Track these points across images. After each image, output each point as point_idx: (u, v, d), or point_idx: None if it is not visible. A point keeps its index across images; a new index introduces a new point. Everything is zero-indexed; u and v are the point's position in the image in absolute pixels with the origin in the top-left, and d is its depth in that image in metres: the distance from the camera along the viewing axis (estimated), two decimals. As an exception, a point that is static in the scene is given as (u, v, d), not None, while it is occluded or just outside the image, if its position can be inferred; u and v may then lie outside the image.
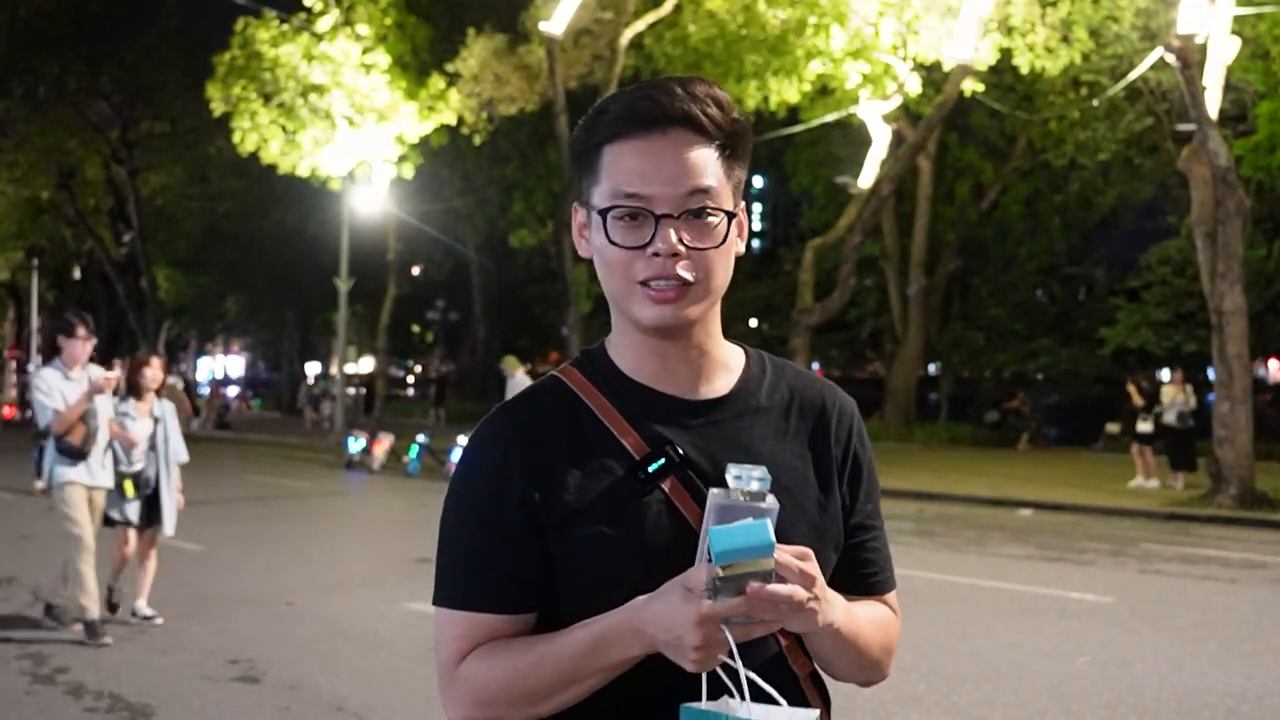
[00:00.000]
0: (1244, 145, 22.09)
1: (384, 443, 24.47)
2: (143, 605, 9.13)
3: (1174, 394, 20.55)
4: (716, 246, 1.69)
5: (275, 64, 25.94)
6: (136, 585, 9.27)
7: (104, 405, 8.76)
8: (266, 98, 26.50)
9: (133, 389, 9.25)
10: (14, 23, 38.70)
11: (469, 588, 1.73)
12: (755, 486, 1.54)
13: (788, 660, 1.76)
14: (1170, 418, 20.35)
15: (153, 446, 9.21)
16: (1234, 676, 7.71)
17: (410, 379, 70.06)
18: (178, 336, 62.09)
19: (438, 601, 1.76)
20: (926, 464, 25.64)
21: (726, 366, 1.83)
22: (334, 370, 49.41)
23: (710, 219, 1.69)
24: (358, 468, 24.14)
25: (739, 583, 1.51)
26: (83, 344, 8.71)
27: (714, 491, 1.56)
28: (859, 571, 1.86)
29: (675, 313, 1.69)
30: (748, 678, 1.57)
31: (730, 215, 1.71)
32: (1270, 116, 21.44)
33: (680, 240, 1.66)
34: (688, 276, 1.67)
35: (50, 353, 9.66)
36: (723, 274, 1.73)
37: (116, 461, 8.96)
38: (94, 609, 8.41)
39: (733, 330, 1.83)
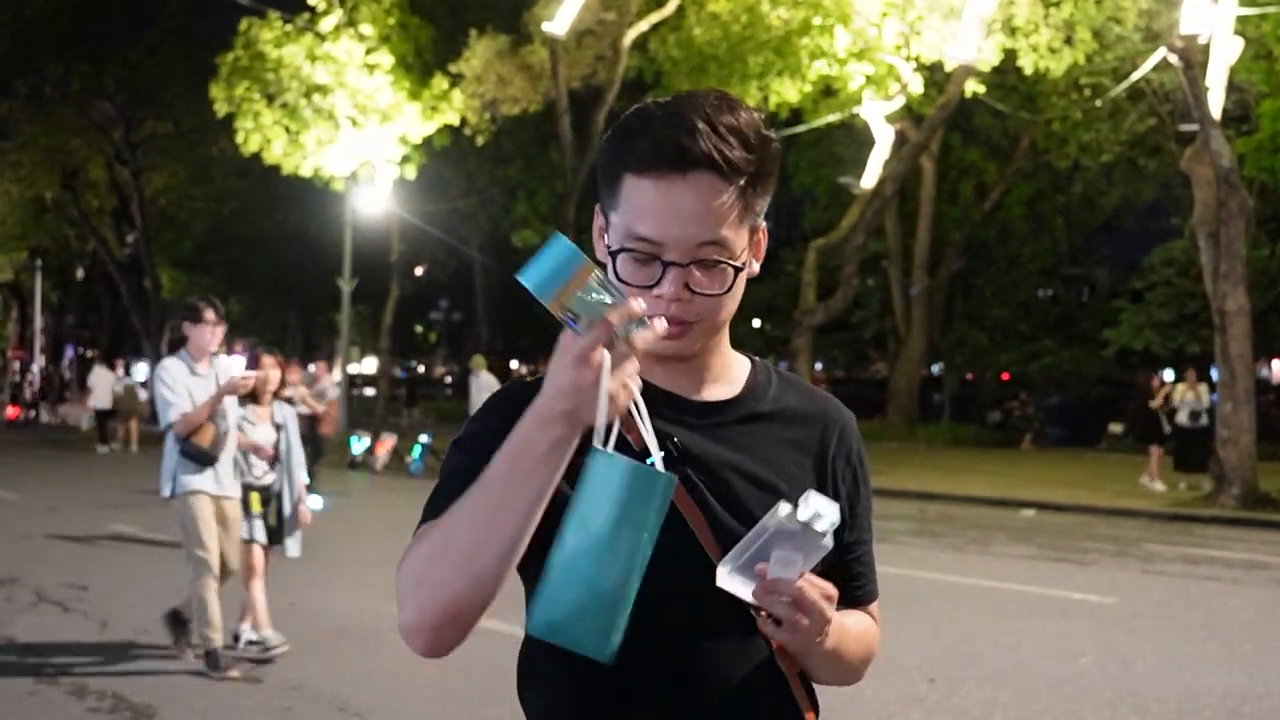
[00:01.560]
0: (1247, 145, 22.05)
1: (386, 443, 24.50)
2: (248, 629, 8.18)
3: (1186, 393, 20.50)
4: (723, 293, 1.70)
5: (278, 64, 25.96)
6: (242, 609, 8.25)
7: (232, 405, 7.83)
8: (270, 98, 26.52)
9: (249, 392, 8.11)
10: (17, 23, 38.69)
11: (443, 503, 1.65)
12: (822, 526, 1.56)
13: (776, 661, 1.77)
14: (1182, 417, 20.30)
15: (277, 457, 8.24)
16: (1236, 677, 7.71)
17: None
18: (181, 337, 62.16)
19: (419, 524, 1.70)
20: (929, 464, 25.63)
21: (731, 373, 1.85)
22: (336, 370, 49.46)
23: (720, 266, 1.69)
24: (360, 468, 24.15)
25: (591, 313, 1.48)
26: (211, 330, 7.83)
27: (783, 508, 1.57)
28: (849, 584, 1.88)
29: (676, 347, 1.71)
30: (640, 420, 1.59)
31: (738, 270, 1.70)
32: (1273, 116, 21.39)
33: (686, 285, 1.67)
34: (689, 318, 1.69)
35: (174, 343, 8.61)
36: (727, 312, 1.74)
37: (240, 473, 8.00)
38: (218, 638, 7.51)
39: (736, 330, 1.84)
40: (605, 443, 1.49)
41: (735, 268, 1.70)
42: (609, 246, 1.72)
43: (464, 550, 1.53)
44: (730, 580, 1.63)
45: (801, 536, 1.57)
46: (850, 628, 1.82)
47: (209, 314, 7.83)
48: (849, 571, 1.88)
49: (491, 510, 1.52)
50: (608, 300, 1.50)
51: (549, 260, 1.48)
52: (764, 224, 1.77)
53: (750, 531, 1.61)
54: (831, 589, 1.64)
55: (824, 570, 1.74)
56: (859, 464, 1.91)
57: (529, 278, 1.49)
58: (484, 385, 22.47)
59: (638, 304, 1.49)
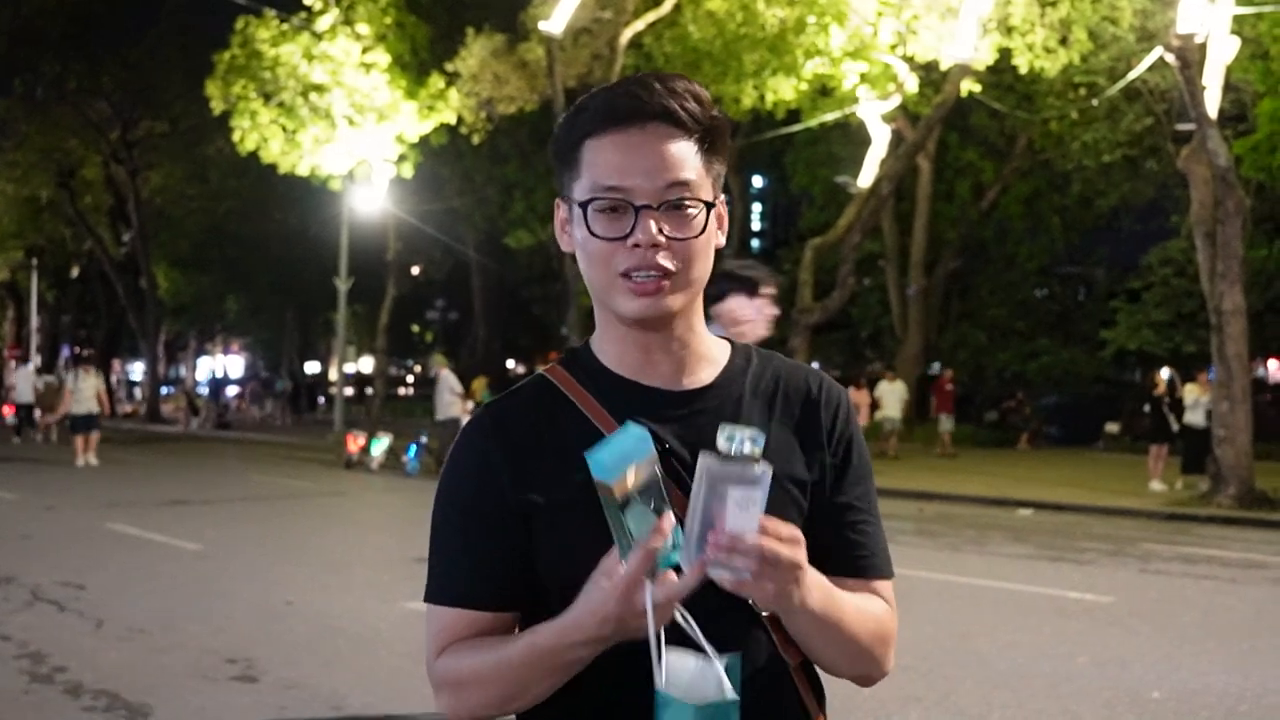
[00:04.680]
0: (1244, 145, 22.06)
1: (383, 442, 24.54)
2: None
3: (1198, 393, 20.27)
4: (696, 237, 1.72)
5: (275, 63, 25.95)
6: None
7: None
8: (266, 97, 26.51)
9: None
10: (15, 21, 38.67)
11: (450, 585, 1.79)
12: (748, 449, 1.52)
13: (780, 651, 1.76)
14: (1195, 418, 20.11)
15: None
16: (1233, 676, 7.70)
17: (410, 379, 70.21)
18: (177, 336, 62.07)
19: (425, 597, 1.82)
20: (926, 464, 25.64)
21: (710, 358, 1.84)
22: (303, 370, 49.46)
23: (689, 210, 1.71)
24: (357, 467, 24.16)
25: (641, 526, 1.53)
26: (762, 306, 5.05)
27: (703, 454, 1.54)
28: (848, 552, 1.84)
29: (656, 304, 1.70)
30: (688, 626, 1.60)
31: (709, 206, 1.74)
32: (1270, 116, 21.41)
33: (660, 231, 1.68)
34: (669, 265, 1.69)
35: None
36: (702, 264, 1.75)
37: None
38: None
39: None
40: (658, 658, 1.57)
41: (706, 204, 1.73)
42: (576, 201, 1.74)
43: (493, 701, 1.73)
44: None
45: (734, 472, 1.51)
46: (849, 597, 1.75)
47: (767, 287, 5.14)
48: (846, 539, 1.83)
49: (516, 686, 1.71)
50: (653, 516, 1.54)
51: (624, 442, 1.54)
52: (724, 198, 1.80)
53: (689, 508, 1.54)
54: (797, 535, 1.57)
55: (815, 533, 1.71)
56: (849, 434, 1.87)
57: (597, 458, 1.53)
58: (446, 382, 22.73)
59: (669, 520, 1.55)
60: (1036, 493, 19.73)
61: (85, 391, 24.06)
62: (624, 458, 1.53)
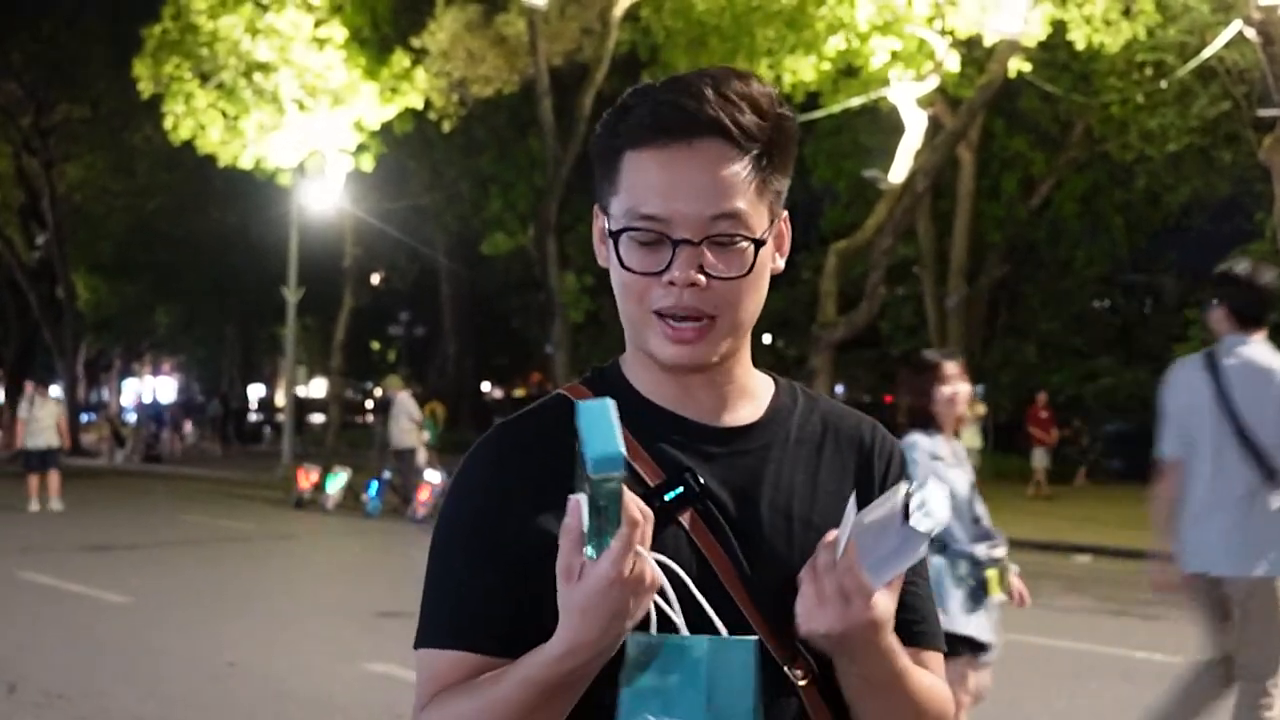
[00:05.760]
0: (1335, 133, 22.13)
1: (340, 478, 24.50)
2: None
3: None
4: (743, 276, 1.72)
5: (214, 38, 25.99)
6: None
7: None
8: (204, 77, 26.54)
9: (927, 418, 6.34)
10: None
11: (445, 625, 1.76)
12: (925, 526, 1.59)
13: (809, 714, 1.77)
14: None
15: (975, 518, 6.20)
16: (1324, 748, 7.72)
17: (370, 404, 70.12)
18: (99, 354, 61.99)
19: (418, 643, 1.78)
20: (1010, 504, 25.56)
21: (753, 395, 1.87)
22: (280, 394, 49.45)
23: (737, 246, 1.71)
24: (309, 507, 24.13)
25: (605, 514, 1.52)
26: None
27: (898, 494, 1.61)
28: (901, 616, 1.81)
29: (694, 353, 1.72)
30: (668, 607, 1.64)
31: (759, 244, 1.73)
32: (1366, 100, 21.49)
33: (701, 269, 1.69)
34: (707, 310, 1.70)
35: None
36: (751, 305, 1.75)
37: (945, 544, 5.78)
38: None
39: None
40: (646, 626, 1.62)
41: (755, 242, 1.72)
42: (609, 230, 1.74)
43: None
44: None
45: (893, 528, 1.60)
46: (914, 672, 1.78)
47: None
48: (901, 604, 1.80)
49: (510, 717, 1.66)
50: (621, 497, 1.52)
51: (605, 425, 1.51)
52: (785, 214, 1.80)
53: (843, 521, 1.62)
54: (867, 589, 1.63)
55: None
56: None
57: (594, 446, 1.49)
58: (403, 407, 22.72)
59: (630, 497, 1.53)
60: (1096, 536, 19.74)
61: (43, 421, 22.95)
62: (619, 437, 1.50)
